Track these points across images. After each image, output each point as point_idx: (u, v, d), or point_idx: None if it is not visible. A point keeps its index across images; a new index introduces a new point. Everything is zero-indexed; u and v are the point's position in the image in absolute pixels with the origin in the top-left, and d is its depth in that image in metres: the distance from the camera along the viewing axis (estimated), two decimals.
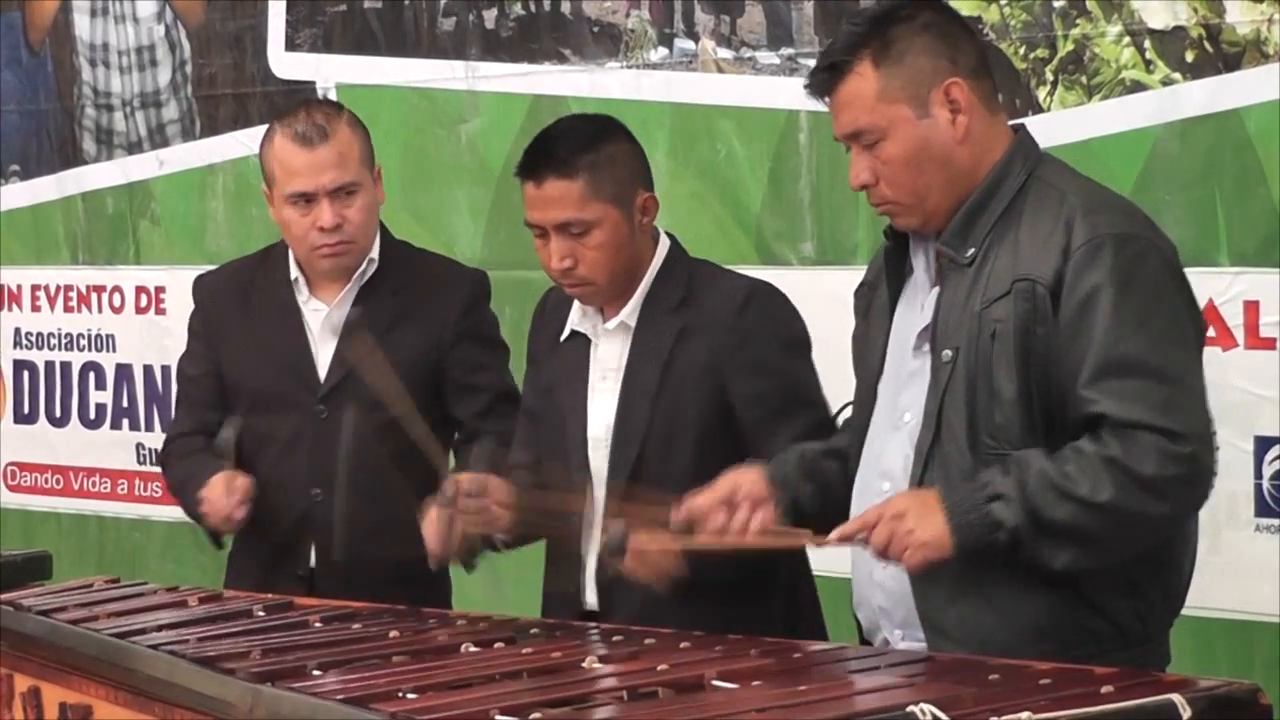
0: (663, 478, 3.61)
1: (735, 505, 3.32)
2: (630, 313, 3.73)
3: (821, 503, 3.38)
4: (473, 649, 3.21)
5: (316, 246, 4.12)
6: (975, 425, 3.11)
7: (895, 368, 3.27)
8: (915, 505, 3.08)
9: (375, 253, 4.19)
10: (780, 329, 3.70)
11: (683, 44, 5.18)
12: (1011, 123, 3.30)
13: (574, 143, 3.69)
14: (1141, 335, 3.04)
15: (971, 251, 3.16)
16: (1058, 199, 3.15)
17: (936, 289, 3.21)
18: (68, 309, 6.50)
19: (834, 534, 3.16)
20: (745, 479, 3.35)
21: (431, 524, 3.69)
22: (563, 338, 3.81)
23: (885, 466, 3.25)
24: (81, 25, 6.41)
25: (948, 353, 3.14)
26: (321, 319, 4.20)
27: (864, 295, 3.42)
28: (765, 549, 3.36)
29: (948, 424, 3.13)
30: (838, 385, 4.71)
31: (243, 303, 4.28)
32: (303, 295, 4.22)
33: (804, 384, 3.70)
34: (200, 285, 4.40)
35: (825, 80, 3.24)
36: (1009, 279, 3.10)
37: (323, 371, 4.18)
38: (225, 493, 4.04)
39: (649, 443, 3.66)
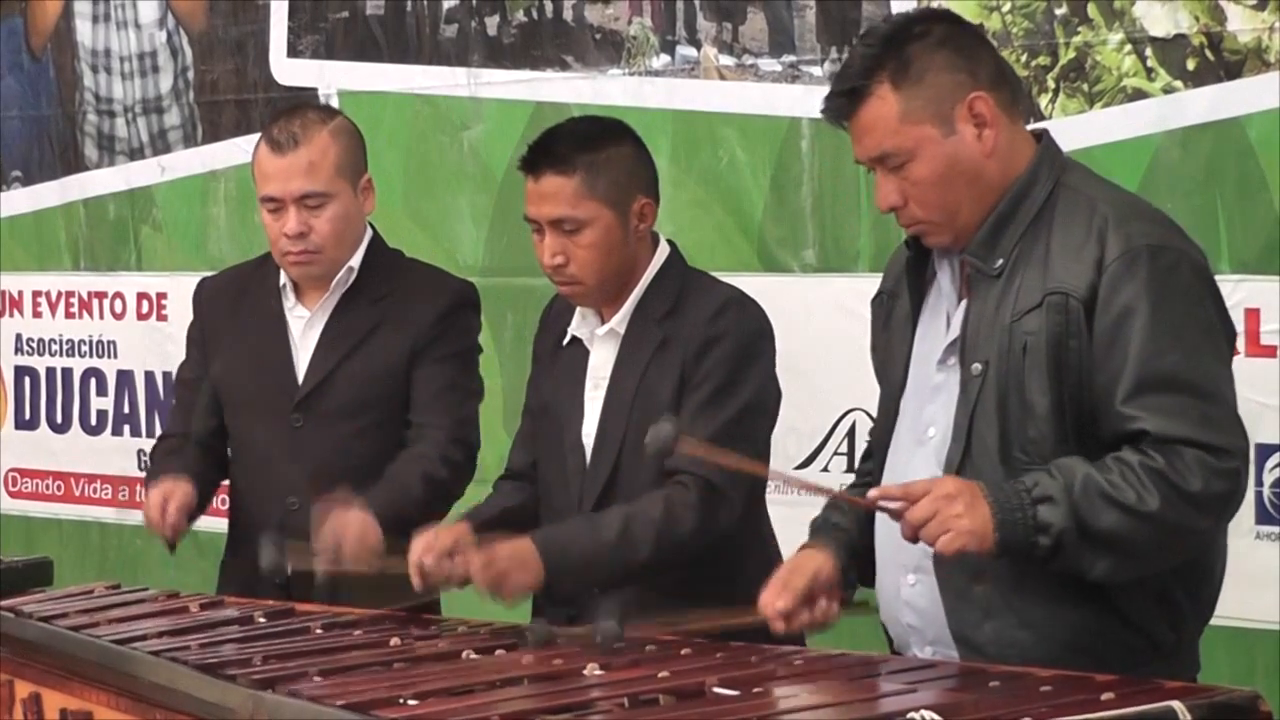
0: (635, 487, 3.64)
1: (815, 599, 3.23)
2: (621, 320, 3.75)
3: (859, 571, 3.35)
4: (473, 656, 3.21)
5: (285, 253, 4.13)
6: (1008, 439, 3.05)
7: (919, 381, 3.21)
8: (965, 492, 2.97)
9: (357, 261, 4.18)
10: (737, 331, 3.67)
11: (685, 51, 5.18)
12: (1032, 128, 3.24)
13: (575, 141, 3.72)
14: (1179, 350, 2.99)
15: (1000, 262, 3.10)
16: (1088, 207, 3.08)
17: (964, 302, 3.15)
18: (69, 315, 6.50)
19: (873, 492, 3.08)
20: (823, 569, 3.25)
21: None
22: (564, 342, 3.83)
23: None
24: (83, 31, 6.41)
25: (978, 366, 3.08)
26: (303, 326, 4.19)
27: (883, 304, 3.34)
28: None
29: (979, 438, 3.07)
30: (838, 391, 4.75)
31: (235, 308, 4.28)
32: (289, 302, 4.22)
33: (731, 379, 3.65)
34: (200, 290, 4.40)
35: (844, 105, 3.13)
36: (1040, 291, 3.04)
37: (301, 380, 4.17)
38: (159, 510, 4.03)
39: (624, 452, 3.68)
